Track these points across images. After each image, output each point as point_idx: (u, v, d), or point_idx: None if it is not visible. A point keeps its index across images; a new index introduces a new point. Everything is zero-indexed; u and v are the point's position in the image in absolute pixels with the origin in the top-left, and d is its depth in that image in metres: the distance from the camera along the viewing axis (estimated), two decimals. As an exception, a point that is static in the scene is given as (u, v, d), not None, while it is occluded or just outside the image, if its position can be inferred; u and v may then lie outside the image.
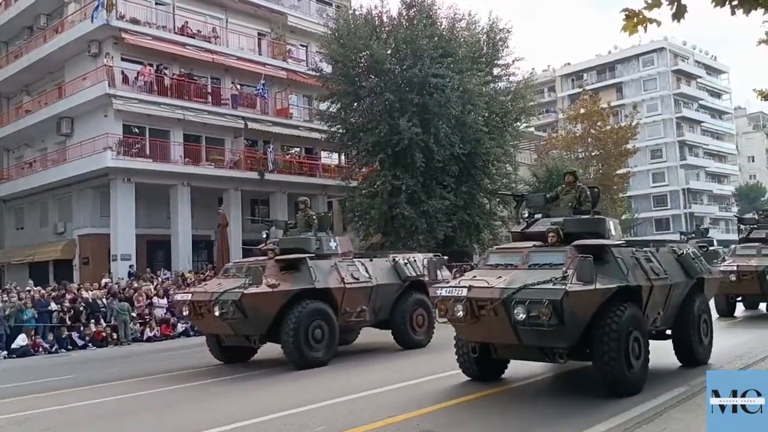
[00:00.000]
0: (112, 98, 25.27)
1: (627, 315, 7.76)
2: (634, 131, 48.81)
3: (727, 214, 71.90)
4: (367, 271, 12.70)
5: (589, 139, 47.08)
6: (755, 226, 18.44)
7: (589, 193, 9.48)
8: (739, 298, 17.21)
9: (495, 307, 7.52)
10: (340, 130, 28.90)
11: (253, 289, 11.04)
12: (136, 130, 26.97)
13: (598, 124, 47.34)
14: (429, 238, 26.40)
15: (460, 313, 7.82)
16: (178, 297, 12.84)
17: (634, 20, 5.25)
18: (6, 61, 32.10)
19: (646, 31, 5.33)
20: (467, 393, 8.45)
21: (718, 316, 15.64)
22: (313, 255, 12.25)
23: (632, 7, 5.30)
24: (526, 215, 9.51)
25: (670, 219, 66.67)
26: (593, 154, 46.76)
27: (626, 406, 7.35)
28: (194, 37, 28.45)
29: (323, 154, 33.45)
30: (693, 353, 9.65)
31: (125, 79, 26.56)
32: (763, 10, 5.58)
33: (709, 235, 28.83)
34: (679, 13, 5.21)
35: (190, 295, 12.09)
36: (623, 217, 48.32)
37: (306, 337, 11.26)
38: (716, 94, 78.33)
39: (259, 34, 31.53)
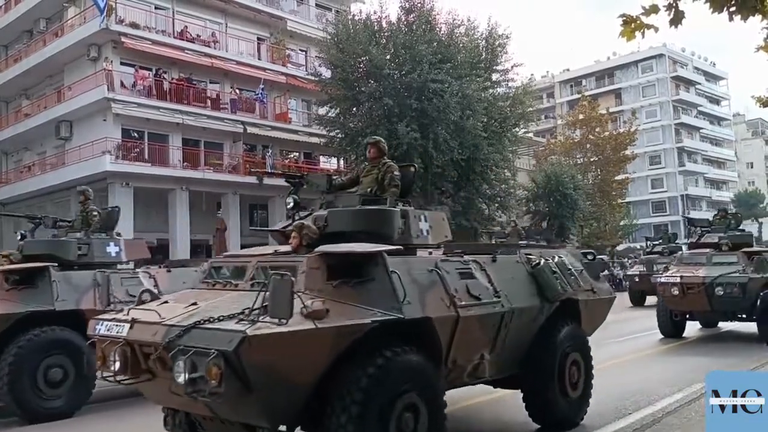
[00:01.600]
0: (111, 102, 25.30)
1: (392, 370, 4.89)
2: (633, 137, 48.88)
3: (725, 220, 71.91)
4: (156, 286, 8.79)
5: (588, 145, 47.14)
6: (708, 228, 16.05)
7: (398, 173, 6.42)
8: (689, 315, 14.38)
9: (159, 357, 4.67)
10: (339, 135, 28.93)
11: None
12: (135, 135, 26.98)
13: (597, 130, 47.42)
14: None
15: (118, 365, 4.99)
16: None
17: (631, 26, 5.26)
18: (6, 64, 32.16)
19: (644, 37, 5.35)
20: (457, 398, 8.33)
21: (662, 336, 14.19)
22: (72, 263, 9.40)
23: (630, 12, 5.31)
24: (291, 205, 6.33)
25: (669, 225, 66.70)
26: (592, 159, 46.83)
27: (622, 412, 7.34)
28: (193, 42, 28.51)
29: (322, 158, 33.46)
30: (551, 411, 6.74)
31: (123, 84, 26.60)
32: (761, 16, 5.59)
33: (678, 241, 26.62)
34: (676, 19, 5.22)
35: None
36: (622, 223, 48.39)
37: (34, 379, 8.18)
38: (715, 100, 78.50)
39: (258, 38, 31.59)
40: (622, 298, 27.40)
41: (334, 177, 6.78)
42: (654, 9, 5.17)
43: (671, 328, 14.30)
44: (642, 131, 59.00)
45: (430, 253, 6.24)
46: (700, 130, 73.65)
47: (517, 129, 32.51)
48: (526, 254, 6.91)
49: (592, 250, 8.53)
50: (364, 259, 5.24)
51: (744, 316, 13.29)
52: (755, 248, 14.39)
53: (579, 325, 7.21)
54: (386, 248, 5.29)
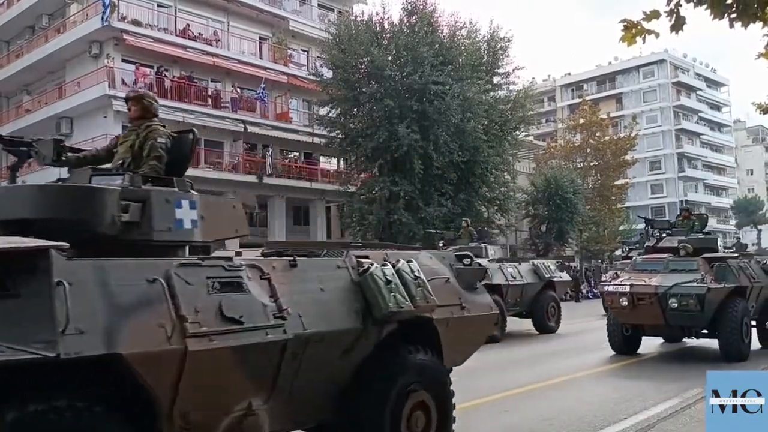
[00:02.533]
0: (112, 99, 25.29)
1: None
2: (633, 142, 48.94)
3: (725, 226, 71.98)
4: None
5: (588, 150, 47.19)
6: (669, 231, 13.99)
7: (163, 140, 4.99)
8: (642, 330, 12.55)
9: None
10: (340, 136, 28.95)
11: None
12: (136, 132, 26.94)
13: (597, 134, 47.47)
14: (427, 246, 26.40)
15: None
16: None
17: (632, 31, 5.28)
18: (7, 60, 32.14)
19: (644, 42, 5.36)
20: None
21: (614, 353, 12.53)
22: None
23: (631, 18, 5.33)
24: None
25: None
26: (592, 164, 46.87)
27: (617, 417, 7.34)
28: (195, 40, 28.52)
29: (322, 159, 33.48)
30: None
31: (125, 81, 26.61)
32: (761, 23, 5.60)
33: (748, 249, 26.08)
34: (677, 25, 5.23)
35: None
36: (621, 228, 48.40)
37: None
38: (716, 106, 78.53)
39: (260, 38, 31.61)
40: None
41: (62, 138, 5.16)
42: (655, 14, 5.19)
43: (623, 344, 12.48)
44: (642, 136, 59.04)
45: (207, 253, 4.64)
46: (701, 136, 73.68)
47: (517, 132, 32.57)
48: (358, 257, 5.03)
49: (470, 253, 6.25)
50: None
51: (705, 331, 11.74)
52: (719, 254, 12.64)
53: (435, 353, 5.41)
54: (46, 245, 3.37)
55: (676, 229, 13.97)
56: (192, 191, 4.67)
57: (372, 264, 4.90)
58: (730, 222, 75.14)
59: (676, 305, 11.13)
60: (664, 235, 13.60)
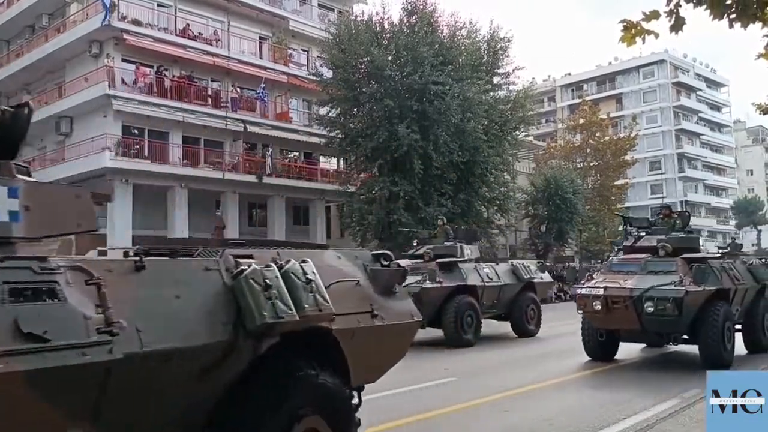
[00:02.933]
0: (112, 99, 25.30)
1: None
2: (633, 142, 48.97)
3: (725, 227, 72.01)
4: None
5: (588, 150, 47.23)
6: (648, 229, 12.63)
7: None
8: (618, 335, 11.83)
9: None
10: (340, 135, 28.95)
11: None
12: (135, 132, 26.98)
13: (597, 134, 47.51)
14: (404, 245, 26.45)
15: None
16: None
17: (632, 31, 5.27)
18: (7, 59, 32.14)
19: (644, 42, 5.35)
20: (455, 402, 8.34)
21: (589, 358, 11.83)
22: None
23: (631, 18, 5.32)
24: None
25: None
26: (592, 164, 46.90)
27: (616, 417, 7.33)
28: (195, 40, 28.53)
29: (322, 158, 33.48)
30: None
31: (125, 81, 26.61)
32: (761, 24, 5.60)
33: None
34: (677, 25, 5.22)
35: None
36: (620, 228, 48.36)
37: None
38: (716, 107, 78.57)
39: (260, 37, 31.62)
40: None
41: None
42: (654, 15, 5.17)
43: (598, 350, 11.78)
44: (642, 137, 59.08)
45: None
46: (701, 137, 73.73)
47: (517, 132, 32.59)
48: (237, 257, 4.14)
49: (388, 252, 5.37)
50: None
51: (686, 337, 10.99)
52: (700, 254, 11.81)
53: (336, 371, 4.56)
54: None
55: (655, 228, 12.45)
56: (18, 176, 3.77)
57: (250, 265, 4.00)
58: (730, 222, 75.13)
59: (652, 309, 10.33)
60: (642, 234, 12.37)
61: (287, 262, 4.21)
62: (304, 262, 4.27)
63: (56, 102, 28.19)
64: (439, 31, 28.86)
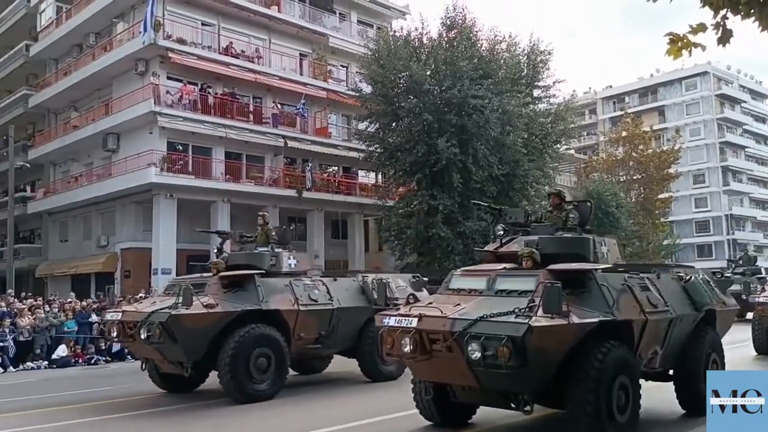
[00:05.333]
0: (158, 116, 25.85)
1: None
2: (677, 155, 48.15)
3: (770, 241, 70.14)
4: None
5: (631, 163, 46.62)
6: (527, 227, 8.00)
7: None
8: None
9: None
10: (378, 150, 29.07)
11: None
12: (180, 147, 27.50)
13: (640, 147, 46.88)
14: (465, 259, 26.28)
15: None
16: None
17: (678, 44, 5.22)
18: (56, 77, 33.11)
19: (690, 55, 5.29)
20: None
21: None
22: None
23: (677, 31, 5.27)
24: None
25: (713, 245, 65.27)
26: (635, 177, 46.26)
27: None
28: (238, 57, 29.03)
29: (360, 173, 33.67)
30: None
31: (170, 96, 27.18)
32: (811, 34, 5.50)
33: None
34: (724, 38, 5.16)
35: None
36: (665, 242, 47.55)
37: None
38: (761, 119, 76.82)
39: (300, 54, 32.04)
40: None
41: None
42: (701, 28, 5.12)
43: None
44: (686, 149, 58.06)
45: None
46: (746, 149, 72.10)
47: (558, 145, 32.29)
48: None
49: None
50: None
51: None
52: (582, 265, 11.62)
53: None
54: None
55: (538, 225, 8.64)
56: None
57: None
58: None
59: (477, 355, 6.29)
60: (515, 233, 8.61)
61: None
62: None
63: (103, 119, 28.92)
64: (479, 45, 28.81)
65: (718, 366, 8.60)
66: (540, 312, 6.22)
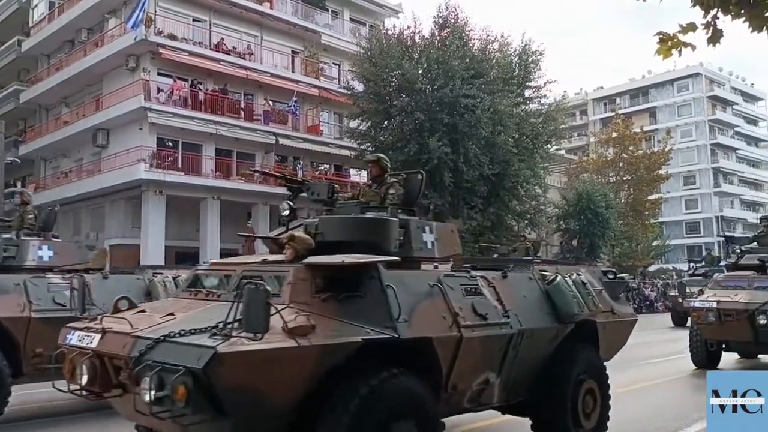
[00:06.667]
0: (148, 112, 25.75)
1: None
2: (667, 157, 48.32)
3: (762, 243, 70.47)
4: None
5: (621, 164, 46.73)
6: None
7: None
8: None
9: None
10: (370, 148, 29.01)
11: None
12: (170, 144, 27.41)
13: (631, 148, 47.00)
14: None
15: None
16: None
17: (668, 44, 5.21)
18: (47, 73, 32.95)
19: (680, 55, 5.29)
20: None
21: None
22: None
23: (667, 30, 5.26)
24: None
25: (703, 246, 65.66)
26: (625, 178, 46.39)
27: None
28: (229, 54, 28.95)
29: (352, 171, 33.63)
30: None
31: (160, 92, 27.08)
32: (801, 36, 5.50)
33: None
34: (714, 38, 5.16)
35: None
36: (654, 244, 47.74)
37: None
38: (753, 121, 77.25)
39: (292, 51, 31.97)
40: (660, 319, 27.06)
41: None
42: (691, 27, 5.11)
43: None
44: (677, 151, 58.26)
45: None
46: (737, 151, 72.49)
47: (548, 146, 32.36)
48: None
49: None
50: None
51: None
52: None
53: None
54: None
55: (346, 203, 9.87)
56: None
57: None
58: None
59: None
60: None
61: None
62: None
63: (93, 114, 28.79)
64: (471, 44, 28.84)
65: (596, 398, 6.52)
66: (242, 330, 4.02)
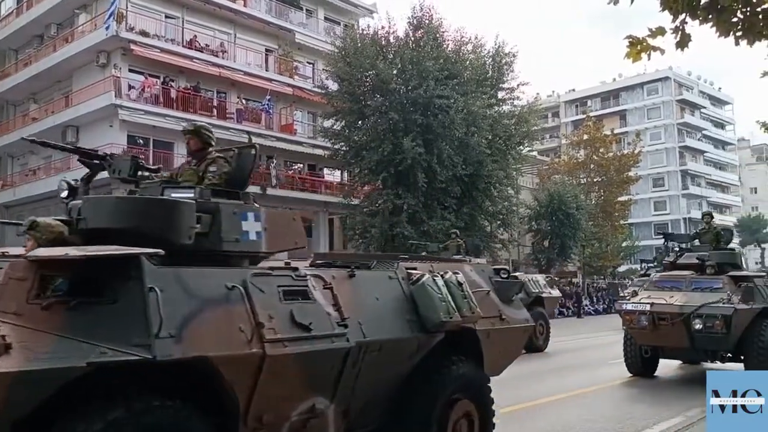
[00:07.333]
0: (118, 109, 25.43)
1: None
2: (637, 159, 48.99)
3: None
4: None
5: (592, 165, 47.26)
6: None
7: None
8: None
9: None
10: (344, 148, 29.02)
11: None
12: (141, 141, 27.08)
13: (601, 150, 47.54)
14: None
15: None
16: None
17: (637, 47, 5.29)
18: (15, 68, 32.34)
19: (649, 58, 5.38)
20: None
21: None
22: None
23: (636, 34, 5.35)
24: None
25: (672, 247, 66.59)
26: (595, 180, 46.91)
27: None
28: (202, 51, 28.70)
29: (326, 171, 33.54)
30: None
31: (131, 89, 26.76)
32: (766, 42, 5.62)
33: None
34: (683, 42, 5.25)
35: None
36: (624, 244, 48.38)
37: None
38: (720, 124, 78.66)
39: (266, 50, 31.79)
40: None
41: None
42: (660, 31, 5.20)
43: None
44: (646, 153, 59.11)
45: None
46: (705, 154, 73.76)
47: (521, 147, 32.58)
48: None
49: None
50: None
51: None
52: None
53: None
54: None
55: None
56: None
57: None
58: (734, 240, 74.95)
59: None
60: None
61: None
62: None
63: (63, 111, 28.34)
64: (445, 45, 28.96)
65: (474, 421, 5.53)
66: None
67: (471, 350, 5.61)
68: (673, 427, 7.74)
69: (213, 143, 5.26)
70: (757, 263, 67.57)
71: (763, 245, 73.65)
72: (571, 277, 42.98)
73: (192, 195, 4.43)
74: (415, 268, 5.33)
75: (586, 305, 36.65)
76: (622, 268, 51.63)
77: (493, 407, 5.83)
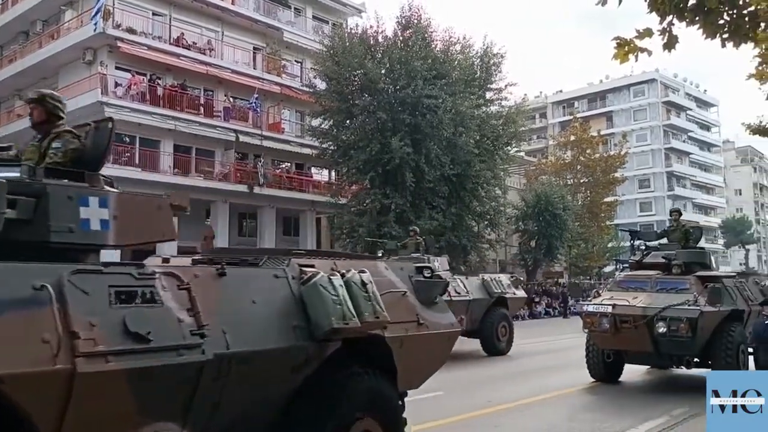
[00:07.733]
0: (105, 106, 25.20)
1: None
2: (623, 160, 49.31)
3: (713, 246, 72.36)
4: None
5: (578, 166, 47.52)
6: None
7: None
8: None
9: None
10: (332, 147, 28.98)
11: None
12: (126, 139, 26.89)
13: (588, 151, 47.82)
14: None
15: None
16: None
17: (625, 48, 5.33)
18: (0, 65, 32.03)
19: (637, 60, 5.43)
20: (445, 415, 8.28)
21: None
22: None
23: (624, 35, 5.38)
24: None
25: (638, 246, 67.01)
26: (582, 181, 47.18)
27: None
28: (189, 49, 28.54)
29: (314, 170, 33.48)
30: None
31: (117, 86, 26.57)
32: (752, 44, 5.68)
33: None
34: (670, 44, 5.29)
35: None
36: (609, 245, 48.65)
37: None
38: (705, 126, 79.24)
39: (254, 48, 31.67)
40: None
41: None
42: (648, 33, 5.24)
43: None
44: (632, 154, 59.44)
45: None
46: (690, 156, 74.29)
47: (509, 147, 32.69)
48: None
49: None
50: None
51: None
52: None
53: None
54: None
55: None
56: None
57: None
58: (719, 242, 75.54)
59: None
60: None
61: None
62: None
63: (48, 108, 28.04)
64: (433, 45, 28.98)
65: None
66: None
67: (382, 360, 4.82)
68: (657, 427, 7.77)
69: (62, 115, 4.41)
70: (741, 264, 68.16)
71: (747, 247, 74.32)
72: (557, 277, 43.18)
73: (16, 175, 3.64)
74: (312, 266, 4.50)
75: (572, 305, 36.79)
76: (607, 269, 51.90)
77: (407, 426, 5.14)
